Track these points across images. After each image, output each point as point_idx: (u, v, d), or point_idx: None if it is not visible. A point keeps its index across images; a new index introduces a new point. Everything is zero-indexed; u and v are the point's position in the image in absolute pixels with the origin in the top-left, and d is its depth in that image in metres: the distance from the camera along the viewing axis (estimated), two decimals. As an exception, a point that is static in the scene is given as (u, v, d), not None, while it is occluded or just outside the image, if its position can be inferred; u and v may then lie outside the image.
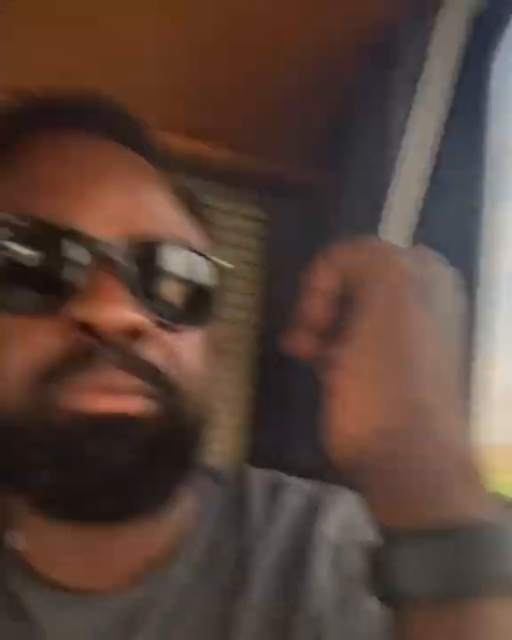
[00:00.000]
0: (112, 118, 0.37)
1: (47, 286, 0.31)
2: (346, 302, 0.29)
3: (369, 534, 0.35)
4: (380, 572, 0.25)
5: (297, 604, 0.35)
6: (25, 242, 0.31)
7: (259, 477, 0.43)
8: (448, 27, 0.56)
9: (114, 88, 0.38)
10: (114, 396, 0.30)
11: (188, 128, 0.69)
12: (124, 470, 0.30)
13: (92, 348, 0.29)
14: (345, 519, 0.39)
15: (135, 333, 0.30)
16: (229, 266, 0.36)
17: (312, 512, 0.39)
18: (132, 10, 0.58)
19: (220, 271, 0.36)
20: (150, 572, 0.36)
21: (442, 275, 0.29)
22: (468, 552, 0.23)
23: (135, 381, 0.31)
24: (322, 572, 0.37)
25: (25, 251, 0.31)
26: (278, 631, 0.35)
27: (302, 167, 0.81)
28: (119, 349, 0.30)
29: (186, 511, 0.39)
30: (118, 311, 0.29)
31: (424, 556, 0.23)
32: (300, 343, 0.30)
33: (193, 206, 0.40)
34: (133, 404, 0.30)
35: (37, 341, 0.30)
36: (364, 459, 0.26)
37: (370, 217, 0.61)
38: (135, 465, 0.30)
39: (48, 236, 0.31)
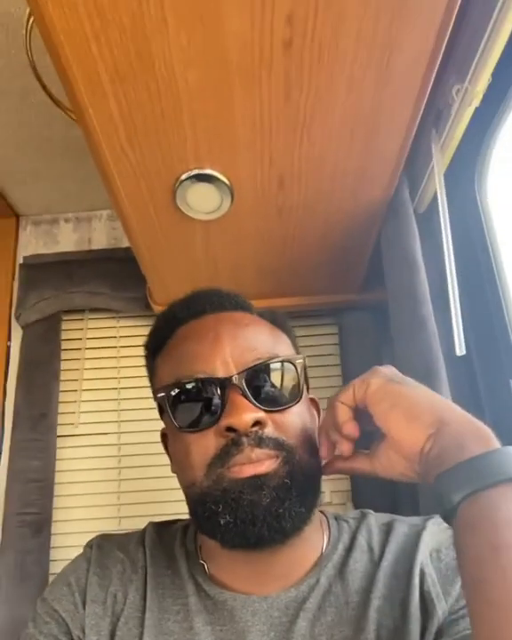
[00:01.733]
0: (212, 299, 0.63)
1: (205, 412, 0.53)
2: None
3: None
4: (450, 481, 0.40)
5: (410, 586, 0.52)
6: (188, 392, 0.54)
7: (376, 516, 0.62)
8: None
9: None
10: (253, 465, 0.50)
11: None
12: (268, 508, 0.49)
13: (237, 440, 0.50)
14: (439, 531, 0.57)
15: (259, 423, 0.51)
16: (301, 359, 0.57)
17: (417, 532, 0.57)
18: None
19: (301, 365, 0.57)
20: (299, 580, 0.55)
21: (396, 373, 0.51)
22: (483, 465, 0.38)
23: (265, 451, 0.51)
24: (425, 563, 0.54)
25: (190, 397, 0.54)
26: (398, 609, 0.51)
27: (362, 292, 1.11)
28: (252, 436, 0.50)
29: (320, 540, 0.58)
30: (246, 415, 0.50)
31: (460, 474, 0.39)
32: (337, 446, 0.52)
33: (283, 325, 0.64)
34: (266, 466, 0.50)
35: (207, 444, 0.52)
36: (428, 453, 0.43)
37: (409, 318, 0.83)
38: (274, 503, 0.49)
39: (198, 384, 0.54)
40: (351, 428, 0.50)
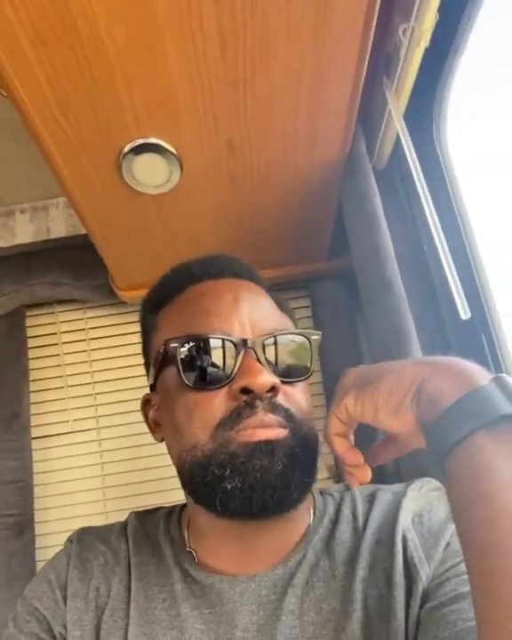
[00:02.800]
0: (231, 264, 0.61)
1: (217, 372, 0.51)
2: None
3: (439, 507, 0.54)
4: (434, 439, 0.39)
5: (393, 554, 0.51)
6: (202, 348, 0.51)
7: (359, 489, 0.60)
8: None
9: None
10: (265, 430, 0.48)
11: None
12: (280, 474, 0.47)
13: (251, 403, 0.49)
14: (419, 495, 0.56)
15: (273, 390, 0.50)
16: (318, 335, 0.56)
17: (398, 499, 0.56)
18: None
19: (316, 342, 0.56)
20: (286, 557, 0.54)
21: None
22: (455, 417, 0.37)
23: (277, 418, 0.49)
24: (407, 528, 0.52)
25: (203, 354, 0.51)
26: (383, 578, 0.50)
27: (330, 259, 1.07)
28: (266, 401, 0.49)
29: (307, 515, 0.57)
30: (263, 378, 0.49)
31: (437, 432, 0.38)
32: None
33: (283, 305, 0.63)
34: (277, 433, 0.49)
35: (216, 405, 0.50)
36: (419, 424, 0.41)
37: (376, 280, 0.81)
38: (283, 470, 0.47)
39: (213, 343, 0.51)
40: (354, 458, 0.48)
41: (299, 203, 0.91)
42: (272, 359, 0.52)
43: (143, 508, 0.67)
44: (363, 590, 0.50)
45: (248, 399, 0.49)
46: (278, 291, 1.18)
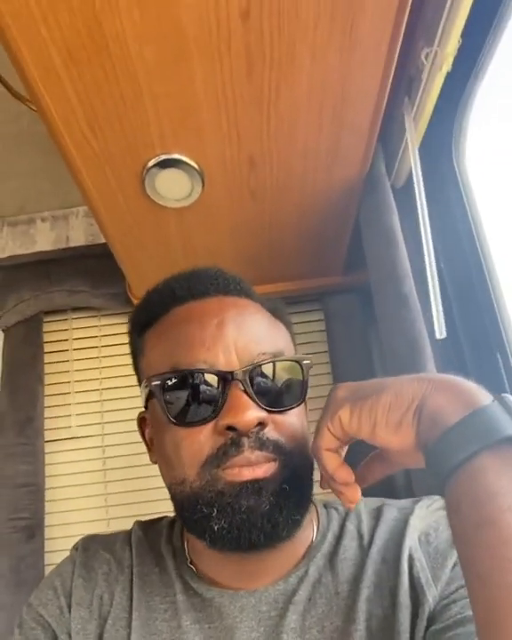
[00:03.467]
0: (217, 281, 0.56)
1: (202, 407, 0.48)
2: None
3: (445, 521, 0.51)
4: (435, 458, 0.37)
5: (399, 573, 0.50)
6: (185, 384, 0.49)
7: (365, 501, 0.58)
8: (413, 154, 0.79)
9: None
10: (252, 468, 0.46)
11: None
12: (266, 514, 0.46)
13: (237, 440, 0.46)
14: (427, 513, 0.54)
15: (260, 424, 0.47)
16: (308, 361, 0.53)
17: (405, 516, 0.54)
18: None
19: (307, 367, 0.52)
20: (288, 573, 0.52)
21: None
22: (455, 439, 0.36)
23: (264, 454, 0.47)
24: (414, 547, 0.51)
25: (187, 389, 0.49)
26: (387, 598, 0.49)
27: (340, 275, 1.08)
28: (253, 437, 0.47)
29: (310, 530, 0.56)
30: (248, 415, 0.46)
31: (437, 453, 0.36)
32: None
33: (282, 316, 0.59)
34: (265, 470, 0.47)
35: (202, 441, 0.47)
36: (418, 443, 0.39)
37: (391, 296, 0.81)
38: (273, 510, 0.46)
39: (196, 376, 0.48)
40: (345, 476, 0.46)
41: (317, 218, 0.92)
42: (261, 389, 0.49)
43: (148, 517, 0.67)
44: (367, 610, 0.49)
45: (234, 436, 0.47)
46: (292, 303, 1.22)
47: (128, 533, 0.63)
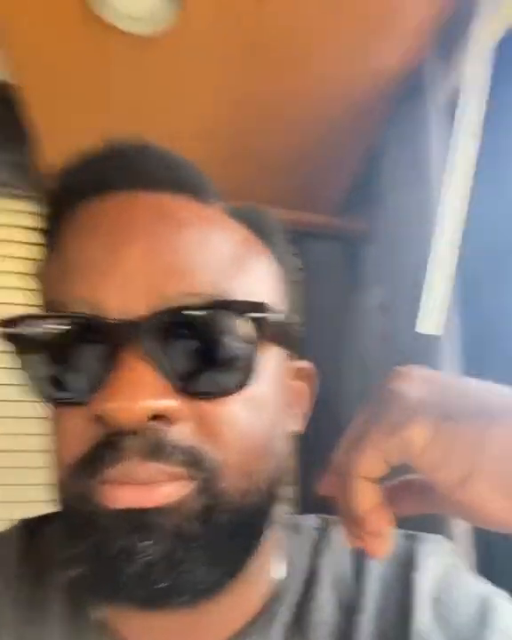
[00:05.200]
0: (150, 165, 0.34)
1: (79, 377, 0.29)
2: None
3: (466, 585, 0.36)
4: None
5: None
6: (60, 335, 0.30)
7: (335, 521, 0.39)
8: (476, 60, 0.54)
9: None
10: (135, 489, 0.28)
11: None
12: (153, 562, 0.28)
13: (113, 441, 0.28)
14: (433, 566, 0.37)
15: (161, 417, 0.28)
16: (278, 316, 0.32)
17: (406, 562, 0.37)
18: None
19: (263, 325, 0.30)
20: (241, 632, 0.34)
21: None
22: None
23: (162, 468, 0.28)
24: (430, 628, 0.34)
25: (53, 347, 0.30)
26: None
27: (332, 214, 0.84)
28: (144, 437, 0.28)
29: (269, 570, 0.36)
30: (135, 402, 0.27)
31: None
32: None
33: (266, 233, 0.36)
34: (158, 494, 0.28)
35: (77, 432, 0.29)
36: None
37: (405, 256, 0.60)
38: (165, 556, 0.28)
39: (74, 327, 0.29)
40: (380, 523, 0.27)
41: (328, 127, 0.67)
42: (176, 356, 0.29)
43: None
44: None
45: (110, 433, 0.28)
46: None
47: (8, 537, 0.39)
